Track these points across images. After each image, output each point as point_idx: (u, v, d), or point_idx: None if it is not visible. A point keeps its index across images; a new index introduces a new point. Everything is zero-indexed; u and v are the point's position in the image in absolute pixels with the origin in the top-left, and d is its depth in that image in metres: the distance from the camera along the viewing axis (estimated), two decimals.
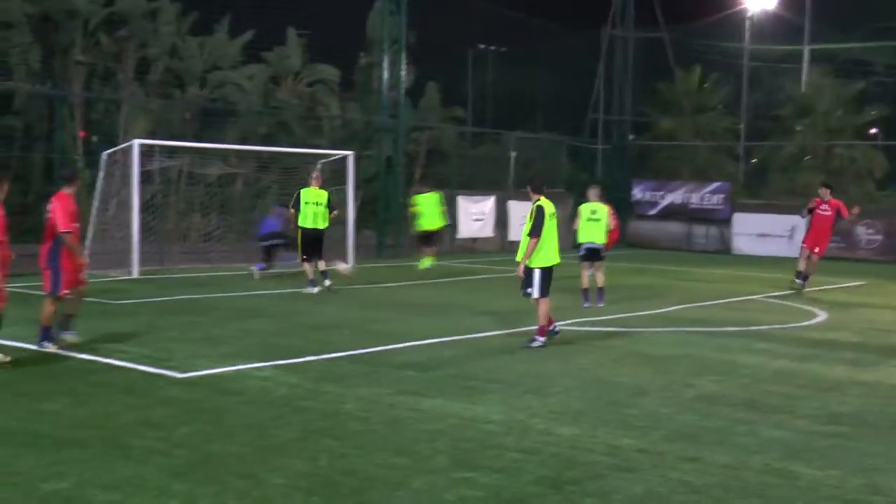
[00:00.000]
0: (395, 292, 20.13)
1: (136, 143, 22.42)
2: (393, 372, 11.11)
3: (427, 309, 17.19)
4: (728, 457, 7.95)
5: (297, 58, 34.08)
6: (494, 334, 14.24)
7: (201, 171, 27.23)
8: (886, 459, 8.06)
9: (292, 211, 19.36)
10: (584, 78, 42.73)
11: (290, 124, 32.51)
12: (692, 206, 37.30)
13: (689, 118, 41.17)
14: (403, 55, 31.26)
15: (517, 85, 47.58)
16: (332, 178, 27.04)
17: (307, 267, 19.17)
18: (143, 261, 22.47)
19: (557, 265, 13.32)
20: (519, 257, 13.17)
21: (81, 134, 28.94)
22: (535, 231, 12.94)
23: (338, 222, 21.60)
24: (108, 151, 23.60)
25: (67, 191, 12.04)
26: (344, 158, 26.62)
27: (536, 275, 13.11)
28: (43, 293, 12.07)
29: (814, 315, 17.54)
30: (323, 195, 19.32)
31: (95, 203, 23.22)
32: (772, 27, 40.88)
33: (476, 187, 35.74)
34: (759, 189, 38.31)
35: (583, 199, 18.67)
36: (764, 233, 34.58)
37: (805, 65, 40.20)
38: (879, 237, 32.76)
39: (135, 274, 21.53)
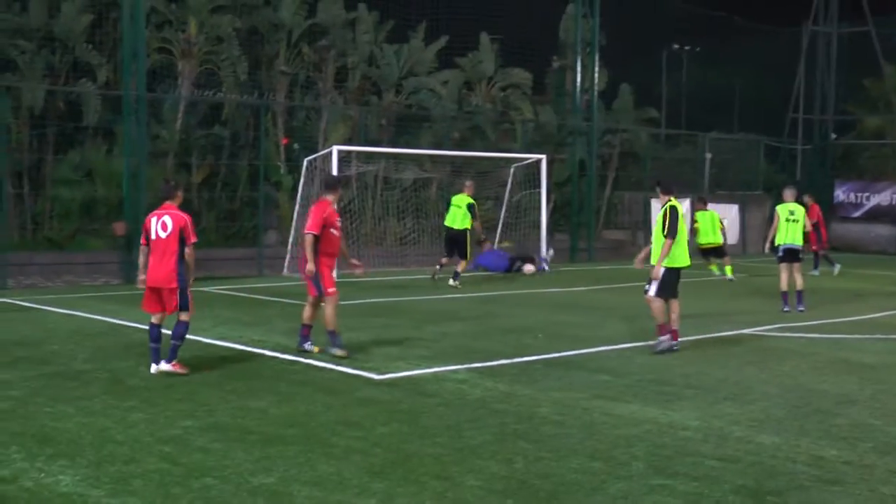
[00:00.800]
0: (586, 296, 20.00)
1: (335, 149, 23.09)
2: (587, 376, 11.04)
3: (618, 313, 17.00)
4: None
5: (490, 62, 34.31)
6: (690, 339, 13.94)
7: (397, 176, 27.84)
8: None
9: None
10: (783, 76, 41.36)
11: (484, 128, 32.76)
12: None
13: None
14: (596, 57, 31.03)
15: (712, 84, 46.51)
16: (525, 182, 27.13)
17: (444, 261, 21.75)
18: (341, 264, 23.08)
19: (686, 267, 12.92)
20: (654, 259, 12.78)
21: (284, 141, 30.00)
22: (672, 232, 12.59)
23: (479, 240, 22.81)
24: (309, 158, 24.41)
25: (328, 197, 12.08)
26: (537, 162, 26.64)
27: (661, 274, 12.76)
28: (305, 301, 12.30)
29: None
30: (464, 200, 21.32)
31: (296, 208, 24.05)
32: None
33: (694, 196, 35.16)
34: None
35: (780, 200, 18.11)
36: None
37: None
38: None
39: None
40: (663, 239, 12.68)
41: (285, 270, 23.26)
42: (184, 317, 10.82)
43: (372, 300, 18.29)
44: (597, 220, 33.42)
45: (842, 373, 11.53)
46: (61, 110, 26.50)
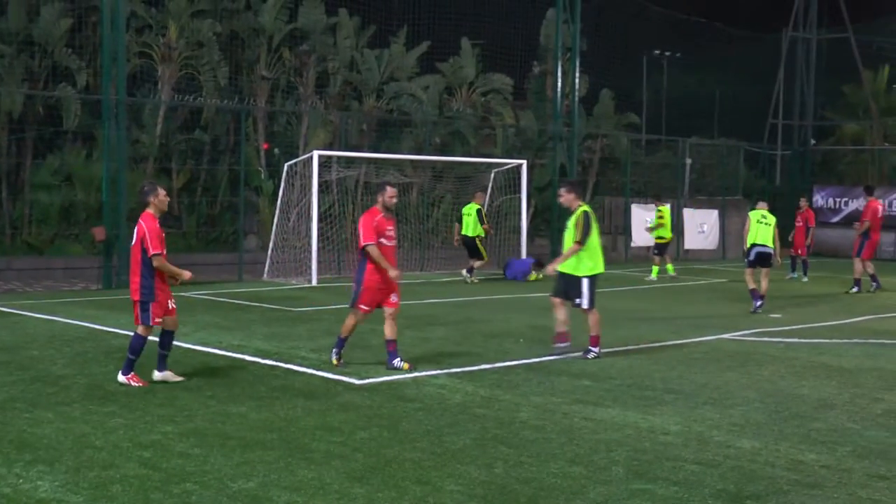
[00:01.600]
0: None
1: (316, 154, 23.07)
2: (568, 381, 11.06)
3: (601, 318, 17.00)
4: None
5: (471, 68, 34.39)
6: (670, 344, 13.99)
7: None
8: None
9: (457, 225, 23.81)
10: (763, 82, 41.65)
11: (465, 133, 32.82)
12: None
13: (877, 121, 39.47)
14: (577, 63, 31.14)
15: (693, 90, 46.76)
16: (506, 187, 27.18)
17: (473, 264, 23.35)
18: (322, 269, 23.10)
19: (601, 274, 12.79)
20: (570, 268, 12.50)
21: (264, 146, 29.97)
22: (585, 237, 12.34)
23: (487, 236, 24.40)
24: (290, 163, 24.38)
25: (377, 206, 11.60)
26: (517, 167, 26.69)
27: (585, 284, 12.53)
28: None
29: None
30: (473, 208, 23.39)
31: (277, 213, 24.02)
32: None
33: (651, 195, 35.27)
34: None
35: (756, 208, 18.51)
36: None
37: None
38: None
39: (313, 282, 22.13)
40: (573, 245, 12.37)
41: (265, 275, 23.23)
42: (140, 330, 10.40)
43: None
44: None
45: (820, 377, 11.59)
46: (40, 115, 26.40)
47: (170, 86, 28.29)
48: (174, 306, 10.61)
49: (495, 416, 9.25)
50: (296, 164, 24.15)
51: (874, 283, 22.46)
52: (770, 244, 18.00)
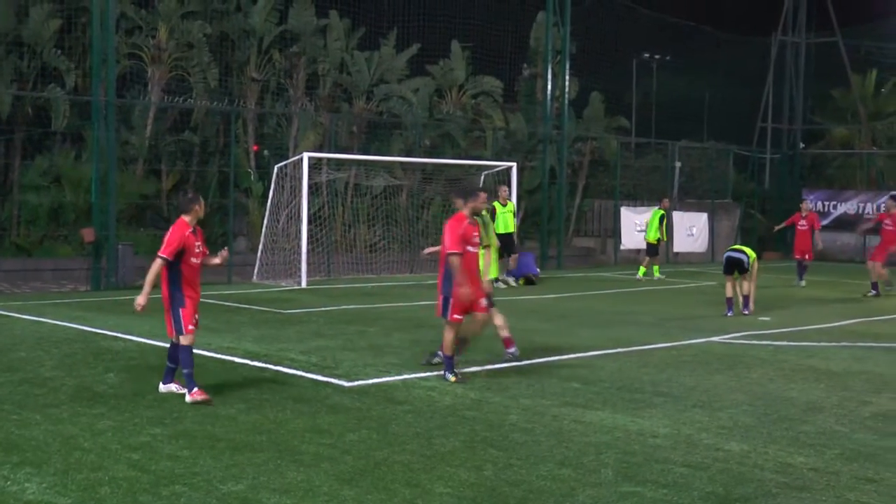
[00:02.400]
0: (557, 304, 20.06)
1: (306, 156, 23.05)
2: (557, 383, 11.07)
3: (590, 320, 17.08)
4: None
5: (461, 70, 34.36)
6: (659, 347, 14.02)
7: (367, 183, 27.80)
8: None
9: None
10: (753, 85, 41.72)
11: (454, 136, 32.81)
12: (868, 216, 35.84)
13: (866, 125, 39.60)
14: (567, 65, 31.16)
15: (682, 93, 46.84)
16: (496, 189, 27.15)
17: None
18: (311, 271, 23.08)
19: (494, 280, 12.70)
20: (493, 273, 12.38)
21: (254, 148, 29.91)
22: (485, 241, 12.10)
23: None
24: (279, 165, 24.36)
25: (465, 211, 11.19)
26: (507, 169, 26.70)
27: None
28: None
29: None
30: (511, 206, 23.59)
31: (266, 215, 23.99)
32: None
33: (640, 198, 35.33)
34: None
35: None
36: None
37: None
38: None
39: (303, 284, 22.11)
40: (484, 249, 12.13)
41: (255, 277, 23.20)
42: (181, 339, 9.84)
43: (342, 307, 18.25)
44: (566, 227, 33.51)
45: (809, 380, 11.63)
46: (29, 115, 26.29)
47: (159, 87, 28.21)
48: (197, 317, 10.03)
49: (485, 419, 9.26)
50: (285, 165, 24.13)
51: (873, 290, 22.46)
52: (745, 249, 18.12)
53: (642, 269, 26.22)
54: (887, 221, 22.70)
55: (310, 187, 23.10)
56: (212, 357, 12.34)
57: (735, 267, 17.84)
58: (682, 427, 9.07)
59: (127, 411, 9.23)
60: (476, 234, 11.17)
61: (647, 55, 48.60)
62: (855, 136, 40.21)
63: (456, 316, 11.07)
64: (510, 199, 23.89)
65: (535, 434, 8.72)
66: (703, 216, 34.23)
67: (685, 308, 19.49)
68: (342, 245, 27.64)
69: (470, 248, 11.06)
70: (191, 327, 9.81)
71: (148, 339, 13.63)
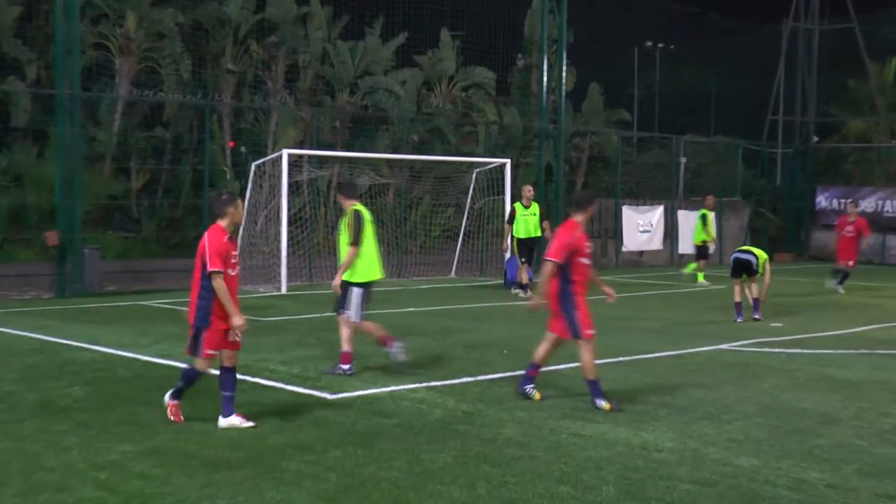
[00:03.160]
0: None
1: (285, 153, 23.03)
2: (555, 394, 11.06)
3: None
4: None
5: (451, 61, 34.44)
6: (664, 355, 14.03)
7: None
8: None
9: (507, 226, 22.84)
10: (762, 76, 41.80)
11: (444, 131, 32.85)
12: (887, 214, 35.97)
13: (884, 117, 39.71)
14: (564, 55, 31.21)
15: (687, 85, 46.91)
16: (489, 188, 27.20)
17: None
18: (292, 276, 23.05)
19: (378, 280, 12.45)
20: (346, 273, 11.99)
21: (230, 144, 29.91)
22: (357, 239, 12.02)
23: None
24: (257, 162, 24.34)
25: (577, 218, 10.87)
26: (501, 166, 26.72)
27: (355, 293, 12.07)
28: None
29: None
30: (536, 207, 22.54)
31: (244, 216, 23.95)
32: None
33: (643, 196, 35.38)
34: None
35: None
36: None
37: None
38: None
39: (283, 289, 22.09)
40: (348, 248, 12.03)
41: None
42: (198, 363, 9.48)
43: (325, 314, 18.20)
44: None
45: (824, 390, 11.64)
46: None
47: (128, 80, 28.20)
48: (238, 338, 9.47)
49: (478, 433, 9.25)
50: (264, 163, 24.11)
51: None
52: (754, 250, 18.17)
53: (700, 275, 25.80)
54: (848, 228, 24.24)
55: (290, 186, 23.08)
56: (184, 367, 12.29)
57: (743, 269, 17.87)
58: (688, 441, 9.08)
59: (94, 427, 9.20)
60: (590, 244, 10.87)
61: (649, 44, 48.66)
62: (872, 129, 40.30)
63: (588, 331, 10.64)
64: (535, 200, 22.61)
65: (532, 449, 8.72)
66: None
67: (692, 314, 19.51)
68: (325, 248, 27.62)
69: (583, 260, 10.65)
70: (209, 352, 9.37)
71: (116, 349, 13.59)
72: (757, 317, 18.04)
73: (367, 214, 12.25)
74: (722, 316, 18.70)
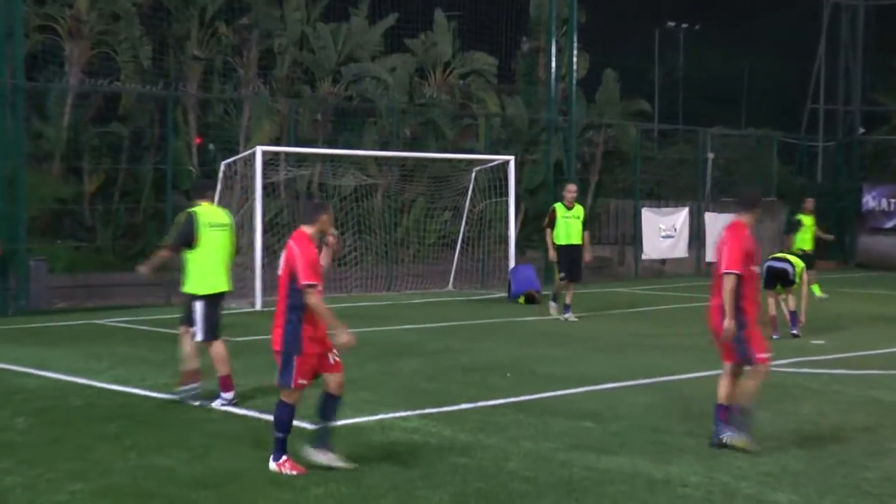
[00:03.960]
0: (565, 326, 20.06)
1: (259, 150, 23.03)
2: (565, 423, 11.06)
3: (606, 346, 17.07)
4: None
5: (447, 45, 34.46)
6: (690, 377, 14.03)
7: (335, 183, 27.79)
8: None
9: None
10: (800, 58, 41.87)
11: (440, 124, 32.87)
12: None
13: None
14: (574, 38, 31.24)
15: (715, 70, 47.01)
16: (491, 189, 27.22)
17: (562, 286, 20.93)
18: (268, 290, 23.01)
19: (226, 293, 12.34)
20: (188, 285, 11.88)
21: (197, 140, 29.90)
22: (179, 243, 11.93)
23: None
24: (227, 161, 24.34)
25: (745, 219, 10.51)
26: (504, 164, 26.74)
27: (199, 307, 11.92)
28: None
29: None
30: (579, 210, 21.00)
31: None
32: None
33: (665, 197, 35.42)
34: None
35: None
36: None
37: None
38: None
39: (258, 306, 22.08)
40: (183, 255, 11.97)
41: None
42: (284, 395, 9.21)
43: None
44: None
45: (872, 416, 11.65)
46: None
47: (79, 67, 28.20)
48: (337, 360, 9.31)
49: (478, 466, 9.25)
50: (235, 162, 24.12)
51: None
52: (788, 258, 18.15)
53: (816, 287, 25.32)
54: None
55: (265, 188, 23.08)
56: (146, 396, 12.30)
57: (778, 279, 17.86)
58: (716, 474, 9.08)
59: (41, 464, 9.19)
60: (758, 251, 10.57)
61: (672, 24, 48.81)
62: None
63: (762, 354, 10.16)
64: (578, 202, 21.34)
65: (539, 484, 8.72)
66: None
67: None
68: None
69: (755, 269, 10.44)
70: (302, 381, 9.13)
71: (66, 375, 13.58)
72: (795, 332, 18.05)
73: (208, 217, 12.09)
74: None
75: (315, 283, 9.01)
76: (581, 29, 32.21)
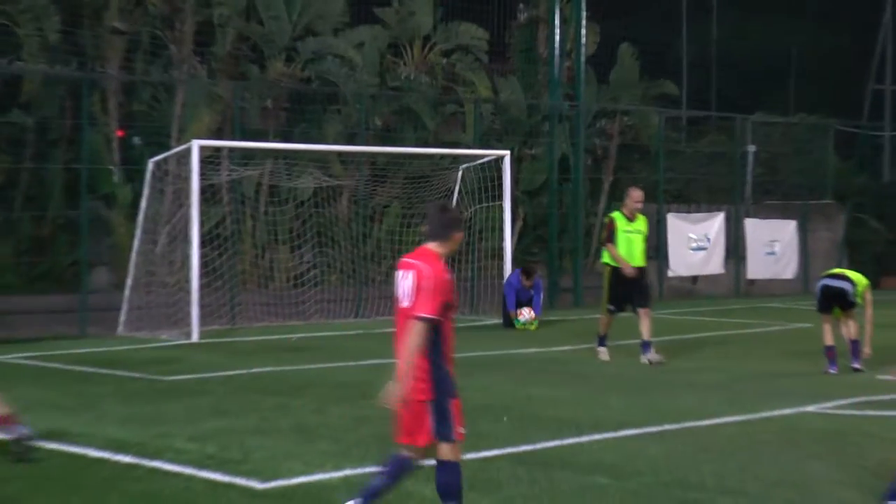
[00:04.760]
0: (572, 358, 20.10)
1: (196, 145, 22.99)
2: (574, 477, 11.07)
3: (623, 384, 17.07)
4: None
5: (426, 15, 34.49)
6: (726, 421, 14.04)
7: (290, 185, 27.79)
8: None
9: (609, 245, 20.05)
10: (860, 31, 42.04)
11: (418, 112, 32.89)
12: None
13: None
14: (582, 5, 31.31)
15: (756, 45, 47.09)
16: (481, 191, 27.22)
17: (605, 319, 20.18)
18: (206, 317, 23.01)
19: None
20: None
21: (119, 133, 29.86)
22: None
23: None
24: (156, 159, 24.30)
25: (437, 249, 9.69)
26: (497, 161, 26.76)
27: None
28: None
29: None
30: (642, 221, 20.25)
31: (138, 233, 23.91)
32: None
33: (695, 199, 35.45)
34: None
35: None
36: None
37: None
38: None
39: (194, 336, 22.04)
40: None
41: (121, 328, 23.10)
42: (447, 452, 9.02)
43: (253, 370, 18.19)
44: (586, 245, 33.59)
45: None
46: None
47: None
48: None
49: None
50: (166, 160, 24.10)
51: None
52: (848, 274, 18.20)
53: None
54: None
55: (204, 191, 23.06)
56: (55, 449, 12.24)
57: (835, 300, 17.88)
58: None
59: None
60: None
61: None
62: None
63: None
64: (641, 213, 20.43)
65: None
66: (791, 225, 34.35)
67: (765, 363, 19.53)
68: (252, 277, 27.59)
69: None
70: (462, 430, 8.97)
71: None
72: (857, 366, 18.04)
73: None
74: (808, 366, 18.75)
75: (432, 315, 8.57)
76: None
